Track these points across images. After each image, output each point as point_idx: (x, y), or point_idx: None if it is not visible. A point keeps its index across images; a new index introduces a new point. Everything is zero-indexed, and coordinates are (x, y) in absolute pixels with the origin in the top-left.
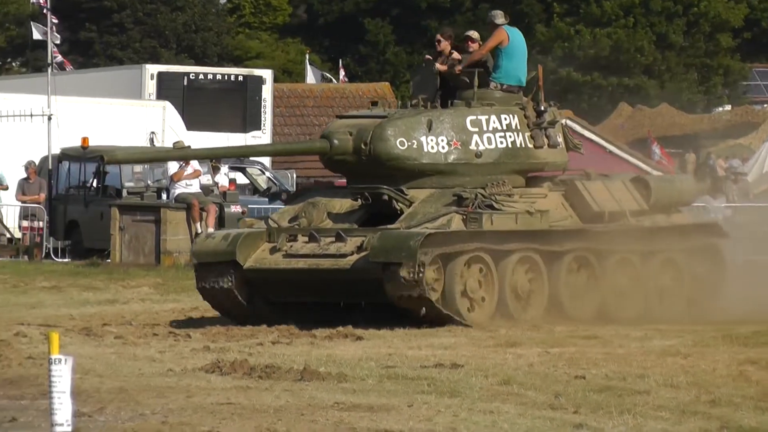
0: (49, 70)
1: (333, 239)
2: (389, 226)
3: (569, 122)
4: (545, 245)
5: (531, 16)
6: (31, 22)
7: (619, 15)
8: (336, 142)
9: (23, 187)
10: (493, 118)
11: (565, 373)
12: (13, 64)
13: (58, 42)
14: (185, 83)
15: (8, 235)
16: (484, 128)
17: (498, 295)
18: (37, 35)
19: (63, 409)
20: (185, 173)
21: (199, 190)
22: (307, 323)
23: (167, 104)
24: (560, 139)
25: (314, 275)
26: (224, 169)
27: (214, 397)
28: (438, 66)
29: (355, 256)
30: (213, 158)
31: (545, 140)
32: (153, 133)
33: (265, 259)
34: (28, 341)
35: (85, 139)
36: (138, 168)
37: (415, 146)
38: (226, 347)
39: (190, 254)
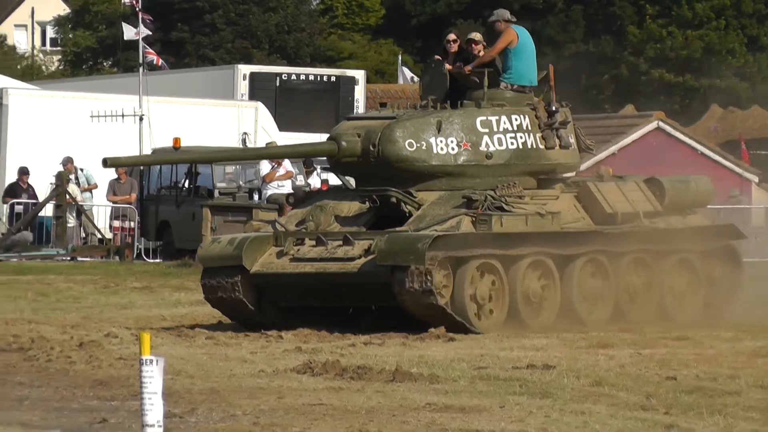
0: (141, 70)
1: (340, 243)
2: (397, 229)
3: (661, 124)
4: (557, 248)
5: (623, 18)
6: (122, 23)
7: (711, 17)
8: (344, 144)
9: (114, 188)
10: (504, 118)
11: (656, 374)
12: (104, 64)
13: (145, 35)
14: (278, 84)
15: (99, 236)
16: (495, 129)
17: (509, 300)
18: (129, 35)
19: (154, 410)
20: (277, 174)
21: (292, 191)
22: (319, 327)
23: (260, 105)
24: (572, 140)
25: (321, 279)
26: (317, 170)
27: (306, 398)
28: (447, 66)
29: (363, 260)
30: (214, 162)
31: (557, 141)
32: (245, 133)
33: (271, 263)
34: (119, 342)
35: (176, 140)
36: (230, 169)
37: (424, 148)
38: (318, 348)
39: (197, 258)
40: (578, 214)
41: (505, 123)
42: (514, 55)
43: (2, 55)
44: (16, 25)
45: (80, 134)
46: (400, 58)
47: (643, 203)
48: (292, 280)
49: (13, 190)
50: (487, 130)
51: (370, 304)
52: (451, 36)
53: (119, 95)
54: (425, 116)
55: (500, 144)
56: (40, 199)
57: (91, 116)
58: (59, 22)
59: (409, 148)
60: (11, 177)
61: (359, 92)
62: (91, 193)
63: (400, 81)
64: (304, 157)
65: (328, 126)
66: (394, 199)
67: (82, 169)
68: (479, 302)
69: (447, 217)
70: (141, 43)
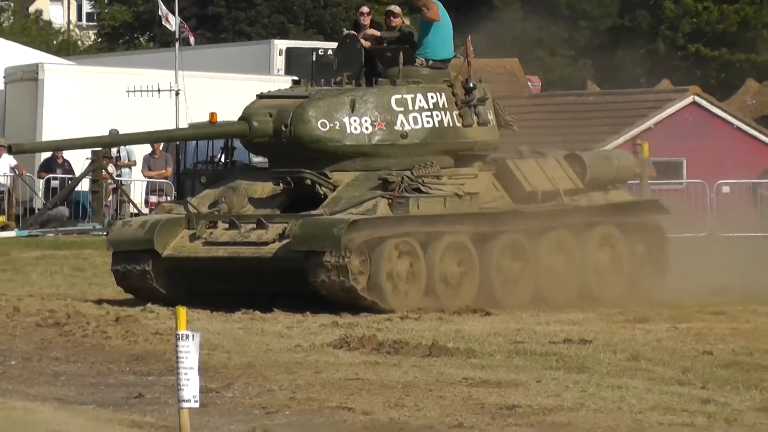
0: (177, 45)
1: (254, 226)
2: (312, 212)
3: (697, 99)
4: (475, 229)
5: None
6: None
7: None
8: (255, 124)
9: (149, 163)
10: (420, 96)
11: (693, 348)
12: (141, 39)
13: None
14: (314, 59)
15: (135, 211)
16: (410, 108)
17: (426, 283)
18: (162, 12)
19: (190, 385)
20: None
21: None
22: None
23: (295, 79)
24: (491, 117)
25: (235, 264)
26: None
27: (342, 372)
28: (363, 42)
29: (277, 244)
30: (138, 143)
31: (475, 118)
32: None
33: (183, 247)
34: (155, 317)
35: (213, 115)
36: None
37: (337, 127)
38: (354, 323)
39: (107, 242)
40: (497, 193)
41: (420, 101)
42: (435, 29)
43: (38, 30)
44: (51, 0)
45: (116, 109)
46: None
47: (564, 180)
48: (204, 265)
49: (49, 165)
50: (402, 109)
51: (284, 290)
52: (365, 9)
53: (155, 70)
54: (338, 95)
55: (416, 123)
56: (77, 174)
57: (127, 91)
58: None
59: (322, 128)
60: (47, 152)
61: None
62: (130, 169)
63: None
64: (217, 138)
65: None
66: (308, 181)
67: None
68: (395, 282)
69: (363, 200)
70: (176, 18)
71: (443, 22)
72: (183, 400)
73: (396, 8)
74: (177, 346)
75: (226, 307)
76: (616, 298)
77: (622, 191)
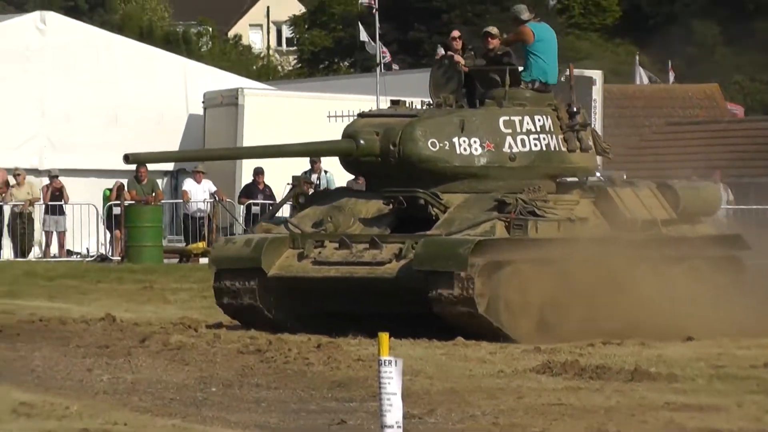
0: (378, 70)
1: (366, 246)
2: (428, 232)
3: None
4: (589, 254)
5: None
6: (359, 23)
7: None
8: (362, 142)
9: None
10: (527, 119)
11: None
12: (341, 64)
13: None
14: None
15: None
16: (518, 130)
17: (540, 308)
18: (364, 37)
19: (393, 411)
20: None
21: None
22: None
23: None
24: (591, 143)
25: (348, 284)
26: None
27: (545, 398)
28: (461, 62)
29: (395, 264)
30: (237, 158)
31: (577, 144)
32: None
33: (291, 266)
34: (357, 343)
35: None
36: None
37: (447, 148)
38: (556, 348)
39: (209, 260)
40: (597, 220)
41: (528, 123)
42: (532, 53)
43: (237, 55)
44: (251, 25)
45: (316, 135)
46: (637, 58)
47: (659, 210)
48: (314, 285)
49: (250, 191)
50: (510, 131)
51: (399, 311)
52: (455, 33)
53: (356, 95)
54: (447, 115)
55: (524, 145)
56: (277, 199)
57: (328, 116)
58: (295, 21)
59: (432, 148)
60: (247, 178)
61: (596, 92)
62: None
63: (637, 81)
64: (321, 156)
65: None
66: (422, 201)
67: (326, 171)
68: (510, 307)
69: (479, 221)
70: (378, 44)
71: (545, 45)
72: (386, 426)
73: (494, 29)
74: (379, 372)
75: (335, 331)
76: (708, 329)
77: (705, 224)
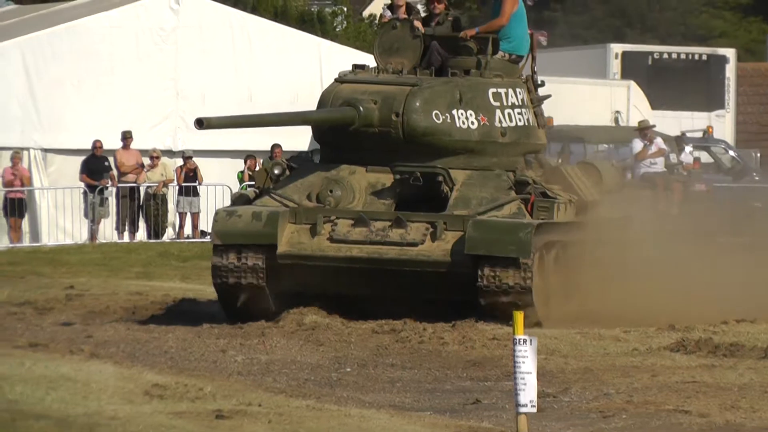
0: None
1: (388, 223)
2: (454, 212)
3: None
4: (591, 236)
5: None
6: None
7: None
8: (362, 109)
9: None
10: (510, 91)
11: None
12: None
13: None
14: (649, 62)
15: None
16: (505, 103)
17: (575, 290)
18: None
19: (527, 390)
20: (649, 152)
21: (664, 169)
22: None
23: (632, 84)
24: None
25: (375, 265)
26: (688, 147)
27: (679, 375)
28: (420, 26)
29: (432, 245)
30: (235, 127)
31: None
32: (618, 112)
33: (302, 243)
34: (492, 321)
35: (549, 119)
36: (602, 147)
37: (449, 120)
38: (690, 326)
39: (213, 234)
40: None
41: (512, 96)
42: (516, 20)
43: (372, 34)
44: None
45: None
46: None
47: (590, 189)
48: (334, 265)
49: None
50: (498, 104)
51: (430, 295)
52: None
53: None
54: (446, 84)
55: (510, 120)
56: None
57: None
58: None
59: (436, 120)
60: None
61: (730, 71)
62: None
63: None
64: (322, 124)
65: (699, 105)
66: (440, 178)
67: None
68: (550, 292)
69: (501, 202)
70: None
71: (522, 13)
72: (520, 405)
73: None
74: (514, 350)
75: (354, 315)
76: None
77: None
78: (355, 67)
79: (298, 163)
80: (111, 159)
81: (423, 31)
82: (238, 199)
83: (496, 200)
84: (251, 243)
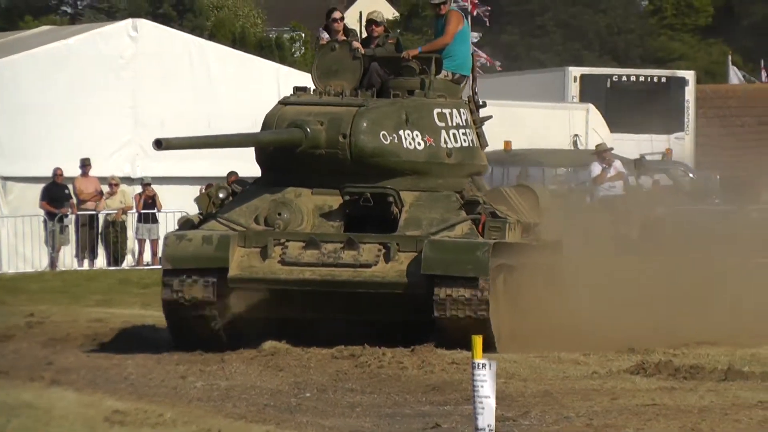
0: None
1: (339, 245)
2: (408, 233)
3: None
4: (543, 258)
5: None
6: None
7: None
8: (309, 131)
9: None
10: (454, 111)
11: None
12: None
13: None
14: (608, 85)
15: None
16: (449, 123)
17: (529, 313)
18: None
19: (486, 413)
20: (608, 176)
21: (623, 192)
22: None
23: (590, 107)
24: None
25: (328, 287)
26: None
27: (639, 398)
28: (360, 48)
29: (386, 266)
30: (192, 148)
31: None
32: (576, 135)
33: (254, 267)
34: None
35: (507, 143)
36: (561, 171)
37: (396, 141)
38: (650, 348)
39: (163, 259)
40: None
41: (456, 117)
42: (460, 39)
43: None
44: None
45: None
46: (729, 58)
47: (529, 212)
48: (286, 288)
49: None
50: (443, 125)
51: (382, 317)
52: (337, 14)
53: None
54: (393, 104)
55: (455, 140)
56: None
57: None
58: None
59: (384, 141)
60: None
61: (689, 93)
62: None
63: (730, 81)
64: (263, 146)
65: (658, 127)
66: (390, 199)
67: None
68: (505, 316)
69: (452, 222)
70: (471, 47)
71: (467, 33)
72: (479, 429)
73: (378, 15)
74: (473, 374)
75: (309, 340)
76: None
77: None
78: (297, 89)
79: (242, 187)
80: (71, 187)
81: (363, 52)
82: (185, 224)
83: (447, 221)
84: (202, 267)
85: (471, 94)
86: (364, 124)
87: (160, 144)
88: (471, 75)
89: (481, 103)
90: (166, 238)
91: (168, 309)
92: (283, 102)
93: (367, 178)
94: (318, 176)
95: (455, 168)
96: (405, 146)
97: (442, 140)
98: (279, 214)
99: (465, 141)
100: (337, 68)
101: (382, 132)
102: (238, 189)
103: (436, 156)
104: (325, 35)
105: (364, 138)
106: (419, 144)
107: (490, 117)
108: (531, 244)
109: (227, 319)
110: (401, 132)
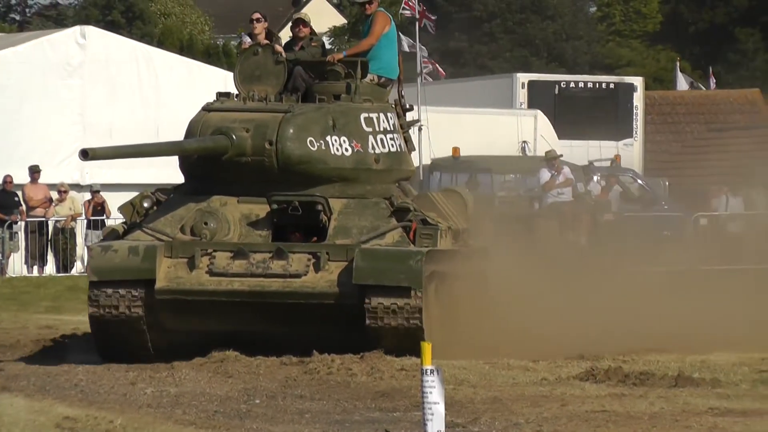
0: (419, 80)
1: (268, 255)
2: (337, 242)
3: None
4: (467, 265)
5: None
6: (399, 33)
7: None
8: (234, 138)
9: None
10: (382, 116)
11: None
12: None
13: (425, 54)
14: (556, 92)
15: None
16: (377, 128)
17: (465, 320)
18: (405, 47)
19: (435, 419)
20: (557, 182)
21: (572, 199)
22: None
23: (538, 113)
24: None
25: (257, 298)
26: (596, 177)
27: (589, 405)
28: (282, 51)
29: (315, 276)
30: (118, 158)
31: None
32: (525, 142)
33: (180, 278)
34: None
35: (455, 150)
36: (510, 176)
37: (323, 147)
38: (599, 355)
39: (89, 270)
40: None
41: (383, 122)
42: (386, 42)
43: None
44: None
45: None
46: (677, 64)
47: (458, 217)
48: (215, 299)
49: None
50: (371, 130)
51: (315, 328)
52: (256, 15)
53: None
54: (319, 110)
55: (383, 146)
56: None
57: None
58: (335, 33)
59: (311, 147)
60: None
61: (638, 99)
62: None
63: (678, 87)
64: (190, 154)
65: (607, 134)
66: (319, 207)
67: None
68: (438, 323)
69: (383, 230)
70: (419, 53)
71: (394, 36)
72: None
73: (307, 16)
74: (422, 381)
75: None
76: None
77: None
78: (220, 95)
79: (166, 196)
80: (20, 194)
81: (285, 57)
82: (110, 234)
83: (377, 228)
84: (129, 278)
85: (397, 97)
86: (291, 131)
87: (86, 154)
88: (399, 78)
89: (407, 106)
90: (90, 249)
91: (96, 324)
92: (207, 108)
93: (295, 186)
94: (244, 184)
95: (383, 174)
96: (333, 153)
97: (370, 146)
98: (205, 224)
99: (393, 146)
100: (260, 73)
101: (309, 138)
102: (162, 198)
103: (364, 162)
104: (248, 39)
105: (290, 145)
106: (347, 150)
107: (418, 121)
108: (461, 250)
109: (156, 333)
110: (328, 138)
